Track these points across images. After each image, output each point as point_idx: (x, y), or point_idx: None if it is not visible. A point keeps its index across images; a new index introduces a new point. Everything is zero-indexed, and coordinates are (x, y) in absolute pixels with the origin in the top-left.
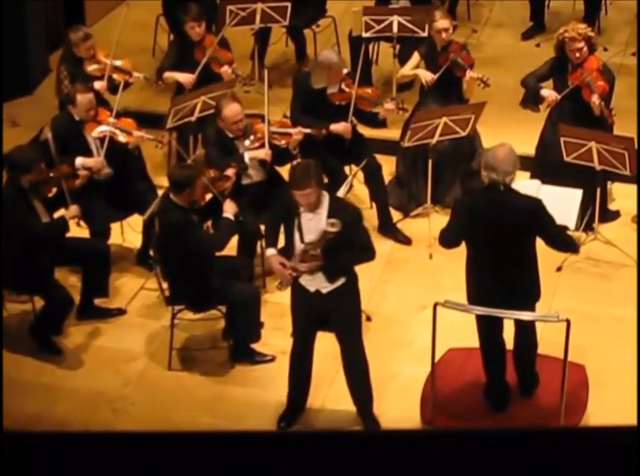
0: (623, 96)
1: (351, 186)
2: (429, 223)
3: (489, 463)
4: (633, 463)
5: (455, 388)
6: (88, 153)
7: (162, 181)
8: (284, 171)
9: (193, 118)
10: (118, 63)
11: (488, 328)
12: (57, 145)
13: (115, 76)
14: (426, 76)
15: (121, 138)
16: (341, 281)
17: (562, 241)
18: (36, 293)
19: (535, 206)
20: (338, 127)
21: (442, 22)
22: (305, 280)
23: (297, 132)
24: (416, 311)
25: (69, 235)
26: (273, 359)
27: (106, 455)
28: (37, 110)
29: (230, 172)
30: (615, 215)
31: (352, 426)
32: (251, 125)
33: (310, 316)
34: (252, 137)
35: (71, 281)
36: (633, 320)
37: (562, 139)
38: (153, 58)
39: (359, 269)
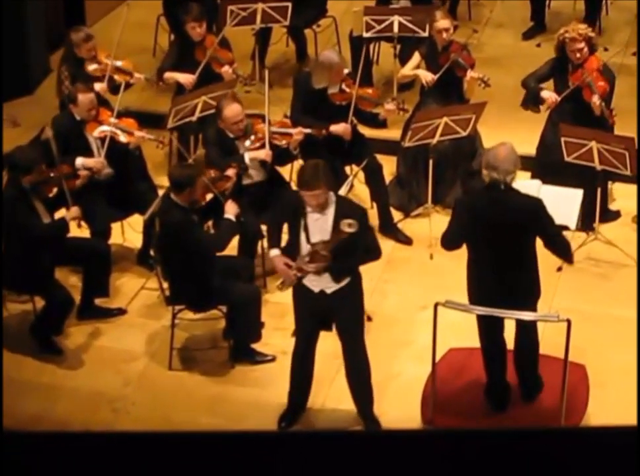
0: (624, 96)
1: (352, 186)
2: (430, 223)
3: (489, 463)
4: (633, 463)
5: (456, 388)
6: (89, 152)
7: (163, 181)
8: (285, 171)
9: (194, 118)
10: (119, 63)
11: (489, 328)
12: (58, 144)
13: (116, 77)
14: (426, 76)
15: (122, 138)
16: (346, 281)
17: (561, 242)
18: (36, 293)
19: (536, 206)
20: (337, 128)
21: (443, 22)
22: (309, 281)
23: (298, 132)
24: (417, 311)
25: (69, 234)
26: (273, 359)
27: (107, 455)
28: (37, 110)
29: (230, 172)
30: (616, 215)
31: (352, 426)
32: (252, 126)
33: (313, 316)
34: (252, 138)
35: (71, 281)
36: (633, 320)
37: (562, 139)
38: (153, 58)
39: (359, 269)
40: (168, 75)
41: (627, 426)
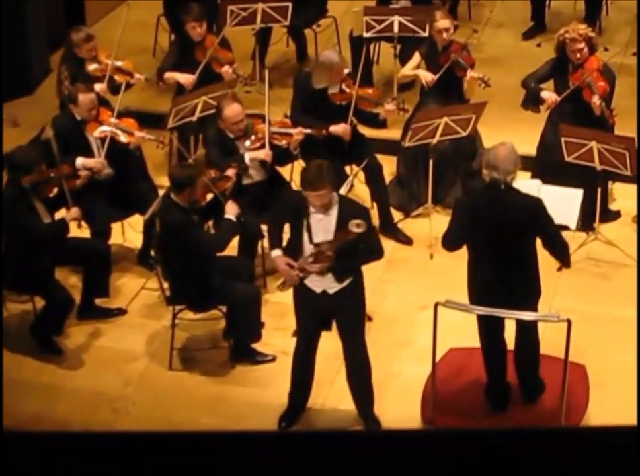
0: (624, 96)
1: (352, 186)
2: (430, 223)
3: (490, 463)
4: (633, 463)
5: (456, 388)
6: (89, 153)
7: (163, 181)
8: (285, 171)
9: (194, 118)
10: (119, 64)
11: (490, 328)
12: (58, 144)
13: (116, 77)
14: (426, 76)
15: (123, 138)
16: (348, 280)
17: (560, 243)
18: (36, 293)
19: (536, 206)
20: (337, 128)
21: (443, 22)
22: (311, 281)
23: (298, 132)
24: (417, 310)
25: (69, 234)
26: (274, 359)
27: (107, 455)
28: (37, 110)
29: (230, 172)
30: (616, 215)
31: (352, 426)
32: (252, 126)
33: (315, 316)
34: (252, 138)
35: (71, 281)
36: (633, 321)
37: (563, 139)
38: (153, 58)
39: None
40: (168, 75)
41: (627, 426)
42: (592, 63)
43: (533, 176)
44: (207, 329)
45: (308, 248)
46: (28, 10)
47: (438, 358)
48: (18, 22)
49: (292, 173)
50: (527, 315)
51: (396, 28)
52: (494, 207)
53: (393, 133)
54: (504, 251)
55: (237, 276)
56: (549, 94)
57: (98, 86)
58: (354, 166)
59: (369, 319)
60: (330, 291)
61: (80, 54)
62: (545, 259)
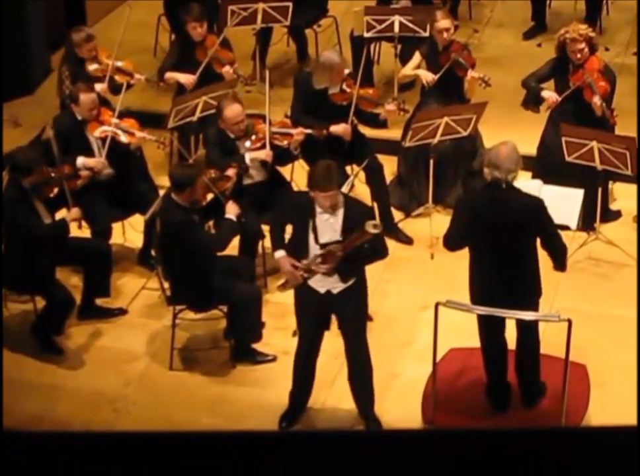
0: (625, 96)
1: (352, 186)
2: (430, 223)
3: (490, 463)
4: (633, 463)
5: (457, 388)
6: (89, 152)
7: (163, 181)
8: (285, 171)
9: (194, 118)
10: (120, 64)
11: (490, 328)
12: (59, 144)
13: (116, 77)
14: (427, 76)
15: (123, 138)
16: (352, 280)
17: (559, 243)
18: (37, 293)
19: (537, 206)
20: (337, 128)
21: (443, 22)
22: (314, 281)
23: (298, 133)
24: (418, 310)
25: (70, 235)
26: (274, 359)
27: (107, 455)
28: (38, 110)
29: (231, 172)
30: (617, 215)
31: (353, 426)
32: (252, 126)
33: (318, 317)
34: (253, 138)
35: (72, 281)
36: (634, 320)
37: (563, 139)
38: (154, 58)
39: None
40: (169, 75)
41: (628, 426)
42: (593, 63)
43: (533, 176)
44: (207, 329)
45: (314, 249)
46: (28, 10)
47: (438, 358)
48: (19, 22)
49: (293, 173)
50: (527, 315)
51: (396, 28)
52: (495, 207)
53: (393, 133)
54: (504, 251)
55: (237, 275)
56: (549, 94)
57: (98, 87)
58: (355, 166)
59: (370, 319)
60: (335, 291)
61: (80, 54)
62: (545, 259)
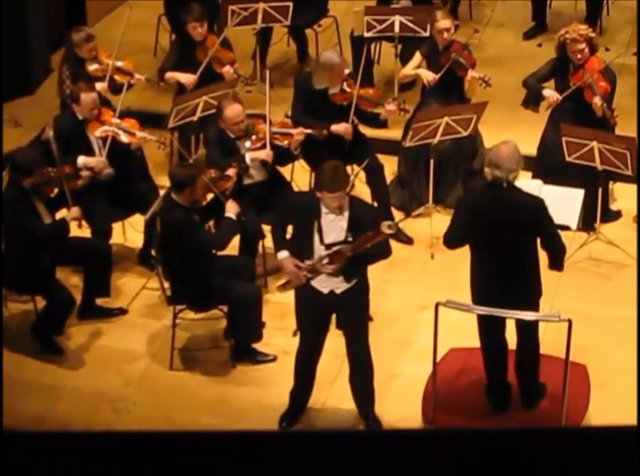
0: (625, 96)
1: (352, 186)
2: (431, 223)
3: (490, 463)
4: (633, 463)
5: (457, 388)
6: (90, 152)
7: (164, 181)
8: (285, 171)
9: (195, 118)
10: (120, 64)
11: (490, 328)
12: (58, 144)
13: (116, 77)
14: (428, 76)
15: (124, 138)
16: (355, 280)
17: (559, 243)
18: (37, 293)
19: (538, 205)
20: (338, 128)
21: (444, 22)
22: (318, 282)
23: (299, 133)
24: (418, 310)
25: (70, 234)
26: (274, 359)
27: (108, 455)
28: (38, 110)
29: (231, 172)
30: (617, 215)
31: (353, 426)
32: (253, 126)
33: (321, 317)
34: (253, 138)
35: (73, 281)
36: (634, 320)
37: (564, 139)
38: (154, 58)
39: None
40: (169, 74)
41: (628, 426)
42: (593, 64)
43: (534, 176)
44: (208, 329)
45: (318, 249)
46: (28, 10)
47: (438, 358)
48: (19, 22)
49: (293, 173)
50: (528, 315)
51: (397, 28)
52: (495, 206)
53: (393, 133)
54: (505, 250)
55: (237, 275)
56: (550, 93)
57: (99, 86)
58: (355, 166)
59: (370, 319)
60: (338, 291)
61: (80, 54)
62: (546, 259)
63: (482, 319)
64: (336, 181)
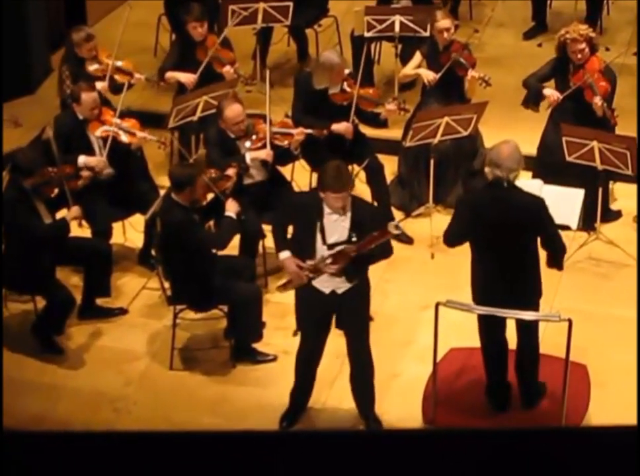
0: (625, 96)
1: (353, 186)
2: (431, 223)
3: (490, 463)
4: (633, 463)
5: (457, 388)
6: (90, 152)
7: (164, 181)
8: (285, 171)
9: (195, 118)
10: (119, 63)
11: (490, 328)
12: (58, 144)
13: (116, 77)
14: (428, 75)
15: (124, 138)
16: (356, 280)
17: (559, 243)
18: (37, 293)
19: (539, 205)
20: (339, 127)
21: (444, 22)
22: (319, 282)
23: (299, 133)
24: (418, 310)
25: (70, 234)
26: (275, 359)
27: (108, 455)
28: (38, 109)
29: (231, 171)
30: (617, 215)
31: (354, 426)
32: (253, 126)
33: (324, 317)
34: (253, 138)
35: (73, 281)
36: (634, 320)
37: (564, 139)
38: (154, 58)
39: None
40: (169, 74)
41: (628, 426)
42: (593, 64)
43: (534, 176)
44: (208, 329)
45: (321, 250)
46: (29, 10)
47: (439, 358)
48: (19, 21)
49: (293, 173)
50: (528, 315)
51: (397, 28)
52: (496, 206)
53: (394, 133)
54: (505, 250)
55: (238, 275)
56: (551, 92)
57: (99, 84)
58: (355, 166)
59: (371, 319)
60: (339, 291)
61: (80, 54)
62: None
63: (482, 319)
64: (340, 181)
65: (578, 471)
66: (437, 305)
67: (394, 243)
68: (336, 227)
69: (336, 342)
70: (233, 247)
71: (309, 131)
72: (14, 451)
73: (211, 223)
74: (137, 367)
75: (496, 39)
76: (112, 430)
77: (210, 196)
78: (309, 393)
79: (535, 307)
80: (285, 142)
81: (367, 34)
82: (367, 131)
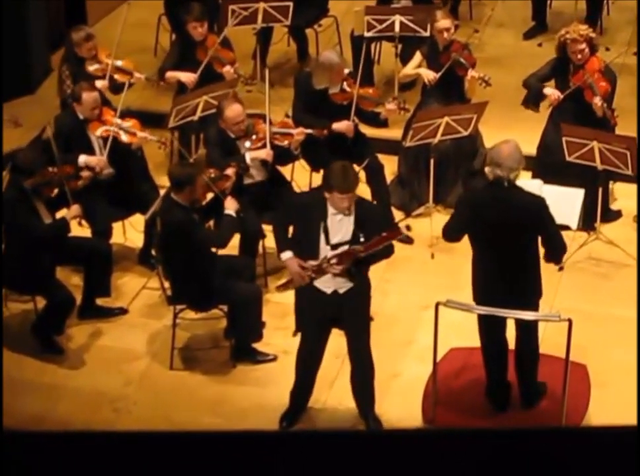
0: (625, 96)
1: None
2: (431, 223)
3: (490, 463)
4: (633, 463)
5: (457, 387)
6: (90, 152)
7: (164, 181)
8: (286, 171)
9: (195, 118)
10: (119, 63)
11: (491, 327)
12: (59, 143)
13: (116, 76)
14: (428, 75)
15: (124, 138)
16: (358, 279)
17: (560, 242)
18: (37, 293)
19: (539, 205)
20: (340, 125)
21: (444, 22)
22: (321, 282)
23: (299, 132)
24: (418, 310)
25: (70, 234)
26: (275, 358)
27: (108, 455)
28: (38, 109)
29: (230, 171)
30: (617, 214)
31: (354, 425)
32: (253, 126)
33: (325, 317)
34: (253, 137)
35: (73, 281)
36: (634, 320)
37: (564, 139)
38: (154, 58)
39: None
40: (169, 74)
41: (628, 426)
42: (593, 64)
43: (534, 176)
44: (208, 329)
45: (324, 250)
46: (29, 10)
47: (439, 358)
48: (19, 21)
49: (293, 173)
50: (528, 315)
51: (397, 28)
52: (496, 205)
53: (394, 133)
54: (505, 250)
55: (238, 275)
56: (551, 91)
57: (99, 83)
58: (355, 166)
59: (371, 319)
60: (341, 291)
61: (80, 53)
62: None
63: (482, 319)
64: (347, 182)
65: (578, 471)
66: (437, 305)
67: (394, 243)
68: (340, 227)
69: (336, 342)
70: (233, 247)
71: (309, 131)
72: (14, 451)
73: (211, 222)
74: (137, 367)
75: (496, 39)
76: (112, 430)
77: (210, 195)
78: (309, 393)
79: (535, 308)
80: (285, 142)
81: (367, 34)
82: (367, 131)
